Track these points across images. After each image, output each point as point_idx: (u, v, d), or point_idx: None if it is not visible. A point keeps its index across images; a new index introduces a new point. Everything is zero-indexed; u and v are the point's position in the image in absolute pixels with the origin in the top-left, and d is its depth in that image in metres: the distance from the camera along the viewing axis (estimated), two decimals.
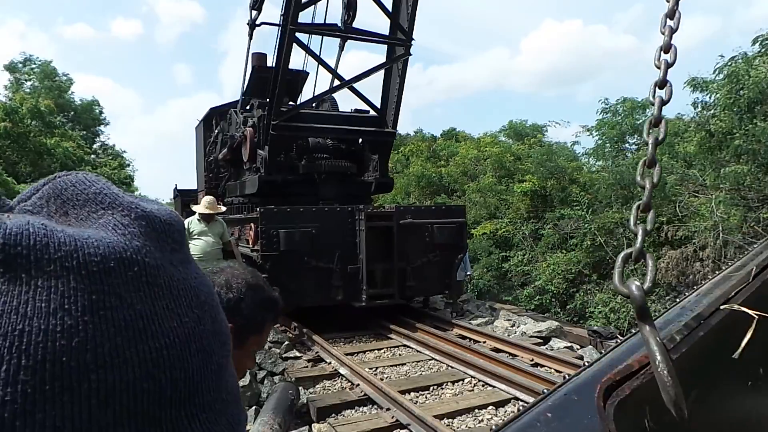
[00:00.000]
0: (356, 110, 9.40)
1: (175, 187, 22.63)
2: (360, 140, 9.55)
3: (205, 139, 12.98)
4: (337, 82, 9.10)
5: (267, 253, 6.83)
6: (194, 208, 6.64)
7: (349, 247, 7.28)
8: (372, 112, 9.10)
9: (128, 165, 31.68)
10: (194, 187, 15.84)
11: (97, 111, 31.43)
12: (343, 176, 8.98)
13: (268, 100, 8.34)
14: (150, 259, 0.34)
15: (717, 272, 0.82)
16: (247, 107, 10.22)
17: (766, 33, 9.72)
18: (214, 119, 12.38)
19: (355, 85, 8.71)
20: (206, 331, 0.36)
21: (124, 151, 33.15)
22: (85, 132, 29.22)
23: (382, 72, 8.85)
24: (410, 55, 8.52)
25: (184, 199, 20.20)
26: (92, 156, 28.00)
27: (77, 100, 30.20)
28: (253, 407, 4.87)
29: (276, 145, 8.25)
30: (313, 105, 9.19)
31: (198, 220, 6.39)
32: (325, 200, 8.45)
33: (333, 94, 9.67)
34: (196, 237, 6.33)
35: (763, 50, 9.70)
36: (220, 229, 6.62)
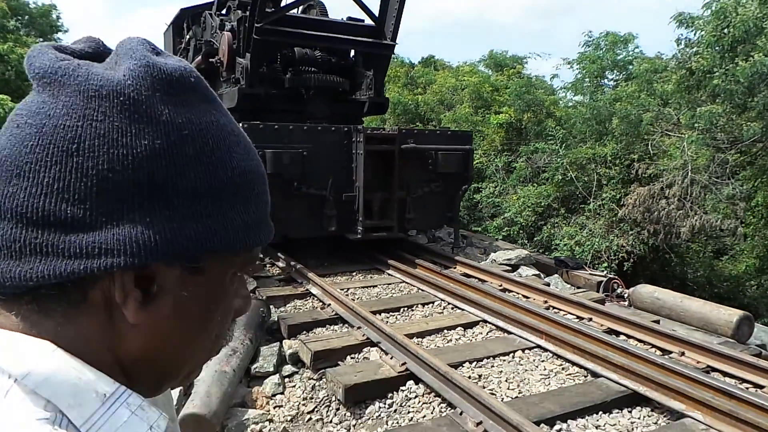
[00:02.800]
0: (350, 18, 8.48)
1: None
2: (352, 54, 8.72)
3: (174, 46, 11.85)
4: None
5: None
6: None
7: (345, 172, 6.63)
8: (368, 22, 8.14)
9: None
10: None
11: (55, 16, 29.30)
12: (334, 93, 8.13)
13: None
14: (135, 94, 0.45)
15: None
16: (224, 11, 9.40)
17: None
18: (186, 23, 11.16)
19: None
20: (180, 155, 0.47)
21: None
22: (41, 39, 27.29)
23: None
24: None
25: None
26: None
27: (32, 2, 28.00)
28: None
29: (259, 52, 7.38)
30: (300, 9, 8.31)
31: None
32: (313, 119, 7.75)
33: (323, 1, 8.70)
34: None
35: None
36: None
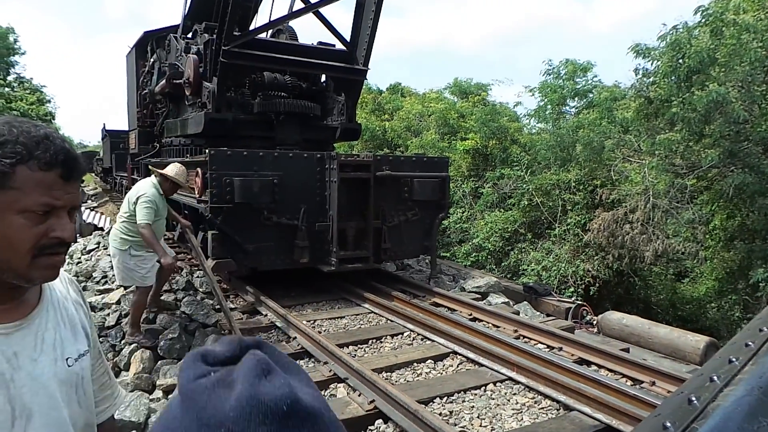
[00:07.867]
0: (320, 43, 8.33)
1: (104, 127, 21.12)
2: (323, 79, 8.57)
3: (137, 69, 11.45)
4: (299, 5, 7.82)
5: (217, 206, 5.74)
6: (168, 172, 4.97)
7: (318, 201, 6.35)
8: (339, 46, 7.96)
9: (49, 101, 29.25)
10: (125, 126, 14.53)
11: (12, 39, 28.56)
12: (304, 118, 7.90)
13: (215, 23, 7.18)
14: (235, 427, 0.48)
15: None
16: (190, 34, 9.08)
17: (707, 4, 9.95)
18: (150, 45, 10.92)
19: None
20: None
21: (44, 86, 30.43)
22: None
23: (352, 2, 7.65)
24: None
25: (113, 139, 18.80)
26: (6, 89, 25.60)
27: None
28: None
29: (226, 75, 7.11)
30: (269, 33, 8.10)
31: (160, 194, 4.91)
32: (283, 145, 7.52)
33: (292, 26, 8.55)
34: (157, 219, 4.90)
35: (703, 20, 9.94)
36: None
